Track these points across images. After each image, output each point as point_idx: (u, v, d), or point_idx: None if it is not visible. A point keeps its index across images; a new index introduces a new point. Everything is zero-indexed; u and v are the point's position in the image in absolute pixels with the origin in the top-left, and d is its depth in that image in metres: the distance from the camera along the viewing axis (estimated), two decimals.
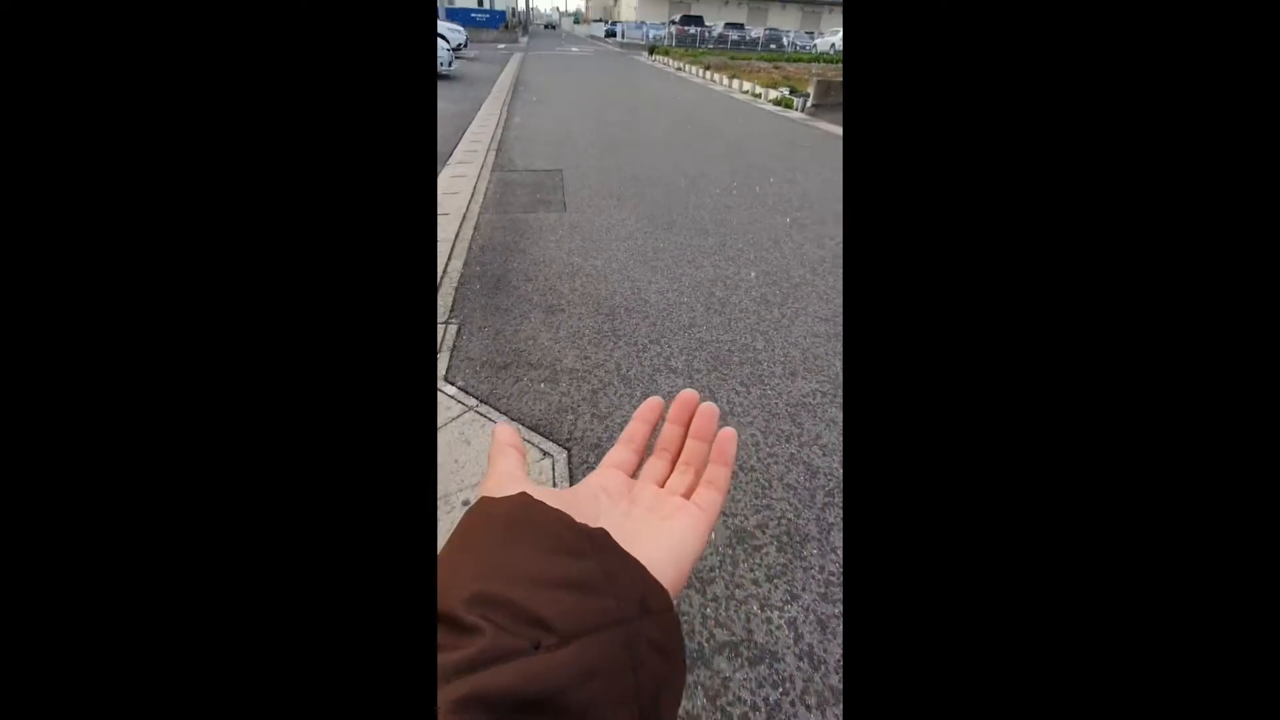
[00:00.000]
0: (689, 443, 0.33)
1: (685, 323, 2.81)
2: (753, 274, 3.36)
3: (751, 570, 1.56)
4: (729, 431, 0.32)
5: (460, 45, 16.35)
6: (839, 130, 8.06)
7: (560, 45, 27.12)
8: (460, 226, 3.89)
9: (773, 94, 10.54)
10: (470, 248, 3.58)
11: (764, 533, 1.67)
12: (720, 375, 2.41)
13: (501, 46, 23.65)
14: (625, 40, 32.21)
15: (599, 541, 0.25)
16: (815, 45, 28.07)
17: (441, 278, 3.18)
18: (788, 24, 43.06)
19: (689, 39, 29.07)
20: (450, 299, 2.96)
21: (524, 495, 0.26)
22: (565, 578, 0.23)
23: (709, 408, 0.33)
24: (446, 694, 0.18)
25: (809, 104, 9.50)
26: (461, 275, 3.21)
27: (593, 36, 37.06)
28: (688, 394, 0.33)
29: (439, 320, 2.74)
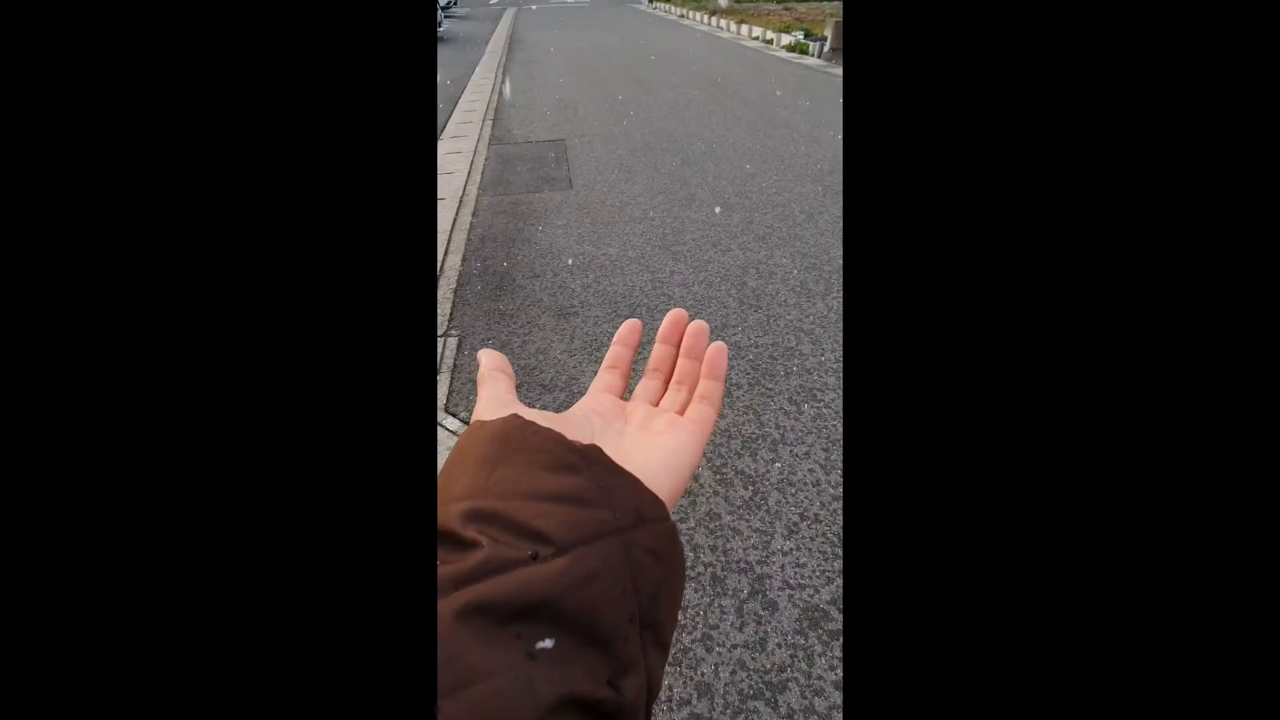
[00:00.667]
0: (681, 361, 0.33)
1: (716, 323, 2.46)
2: (787, 257, 2.98)
3: (833, 667, 1.26)
4: (719, 345, 0.32)
5: (450, 4, 15.61)
6: None
7: None
8: (457, 213, 3.52)
9: (785, 39, 9.80)
10: (469, 239, 3.22)
11: (841, 609, 1.37)
12: (764, 390, 2.07)
13: (493, 1, 22.56)
14: None
15: (591, 457, 0.25)
16: None
17: (438, 279, 2.83)
18: None
19: None
20: (449, 305, 2.62)
21: (515, 416, 0.26)
22: (560, 492, 0.23)
23: (699, 325, 0.33)
24: (447, 605, 0.19)
25: (826, 48, 8.79)
26: (460, 274, 2.87)
27: None
28: (677, 313, 0.34)
29: (437, 334, 2.42)
